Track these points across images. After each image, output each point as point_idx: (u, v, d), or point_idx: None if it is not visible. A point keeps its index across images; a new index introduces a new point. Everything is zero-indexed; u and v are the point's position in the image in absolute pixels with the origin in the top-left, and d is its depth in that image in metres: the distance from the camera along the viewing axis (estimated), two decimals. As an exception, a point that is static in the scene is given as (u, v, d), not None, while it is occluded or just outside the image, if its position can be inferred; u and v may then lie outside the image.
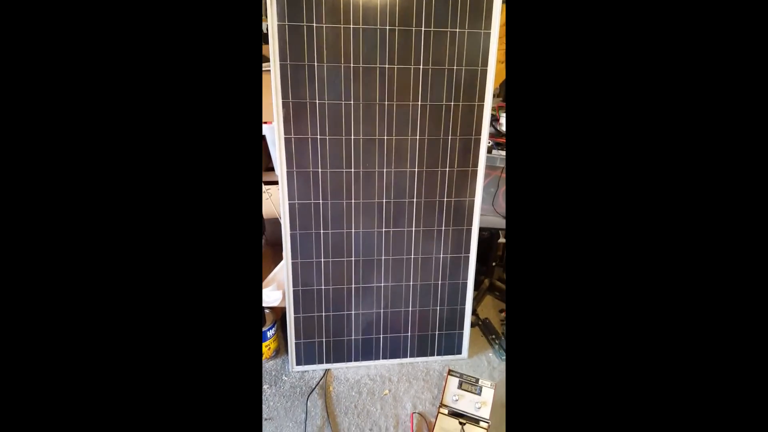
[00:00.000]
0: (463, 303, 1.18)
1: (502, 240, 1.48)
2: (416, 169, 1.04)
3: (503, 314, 1.44)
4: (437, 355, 1.22)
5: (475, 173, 1.07)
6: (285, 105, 0.95)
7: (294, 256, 1.07)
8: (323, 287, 1.11)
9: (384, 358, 1.19)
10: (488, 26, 0.95)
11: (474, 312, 1.46)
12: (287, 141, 0.97)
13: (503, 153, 1.28)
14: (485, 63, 0.97)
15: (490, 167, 1.28)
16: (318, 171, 1.01)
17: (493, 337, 1.32)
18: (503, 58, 1.14)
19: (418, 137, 1.01)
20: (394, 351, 1.19)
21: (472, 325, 1.32)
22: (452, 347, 1.22)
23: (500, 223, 1.41)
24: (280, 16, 0.88)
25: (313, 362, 1.17)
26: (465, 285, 1.16)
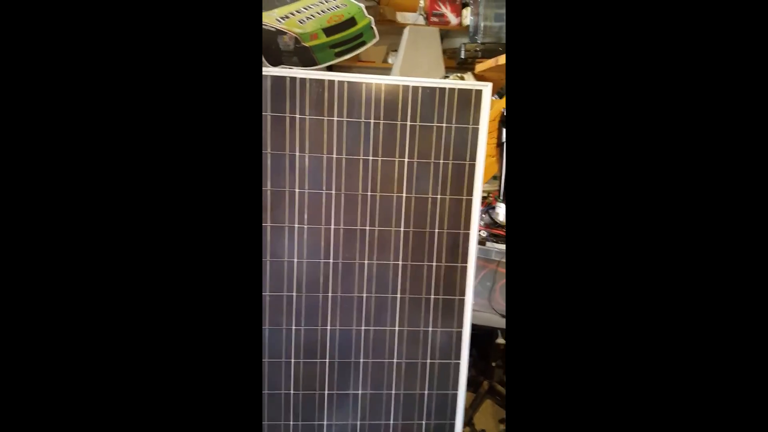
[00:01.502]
0: (453, 417, 1.02)
1: (501, 341, 1.34)
2: (400, 262, 0.96)
3: (503, 426, 1.25)
4: (423, 482, 1.03)
5: (464, 269, 0.98)
6: (263, 193, 0.91)
7: (261, 355, 0.95)
8: (292, 392, 0.97)
9: (359, 483, 1.01)
10: (476, 121, 0.93)
11: (469, 422, 1.27)
12: (263, 229, 0.92)
13: (498, 245, 1.20)
14: (473, 158, 0.94)
15: (485, 260, 1.20)
16: (293, 261, 0.94)
17: (491, 459, 1.12)
18: (493, 152, 1.12)
19: (402, 229, 0.95)
20: (372, 475, 1.01)
21: (467, 442, 1.13)
22: (441, 473, 1.03)
23: (498, 321, 1.28)
24: (263, 107, 0.89)
25: (274, 485, 0.99)
26: (455, 397, 1.01)
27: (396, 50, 2.01)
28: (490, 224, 1.28)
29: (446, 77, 1.80)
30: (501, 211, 1.30)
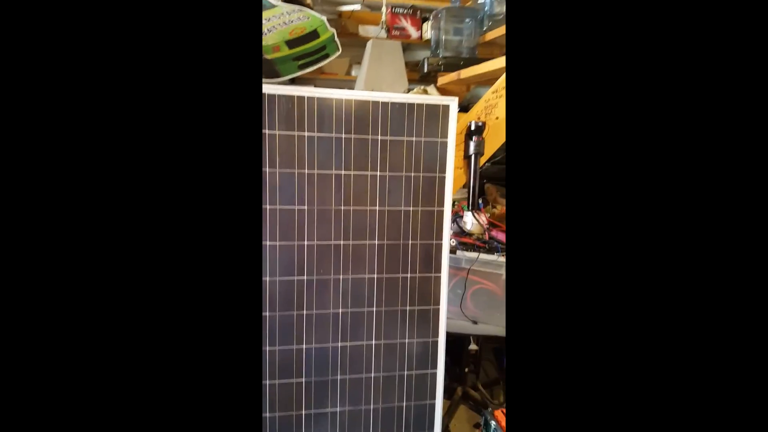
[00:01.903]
0: (432, 427, 1.03)
1: (473, 347, 1.37)
2: (375, 276, 0.96)
3: (477, 431, 1.27)
4: (404, 495, 1.02)
5: (438, 279, 1.00)
6: (232, 211, 0.88)
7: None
8: (268, 414, 0.94)
9: (340, 503, 0.99)
10: (445, 135, 0.96)
11: (446, 428, 1.28)
12: (232, 248, 0.89)
13: (467, 254, 1.23)
14: (443, 170, 0.97)
15: (455, 268, 1.23)
16: (266, 279, 0.91)
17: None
18: (460, 164, 1.16)
19: (376, 242, 0.96)
20: (353, 493, 0.99)
21: (445, 451, 1.14)
22: (422, 484, 1.03)
23: (470, 328, 1.31)
24: (232, 124, 0.86)
25: None
26: (433, 406, 1.02)
27: (359, 63, 2.03)
28: (459, 233, 1.31)
29: (410, 89, 1.84)
30: (468, 220, 1.34)
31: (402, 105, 0.93)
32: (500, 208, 1.48)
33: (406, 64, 1.93)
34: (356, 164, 0.93)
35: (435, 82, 1.77)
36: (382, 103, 0.92)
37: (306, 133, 0.90)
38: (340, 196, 0.93)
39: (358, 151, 0.92)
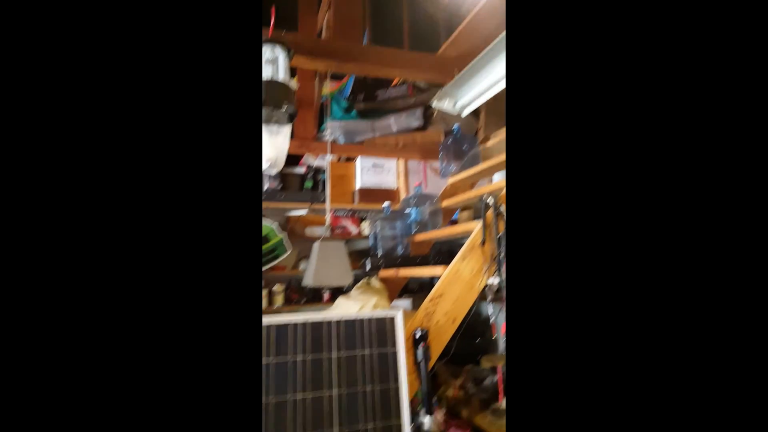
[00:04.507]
0: None
1: None
2: None
3: None
4: None
5: (405, 508, 0.92)
6: None
7: None
8: None
9: None
10: (394, 344, 1.05)
11: None
12: None
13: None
14: (396, 379, 1.02)
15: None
16: None
17: None
18: (412, 370, 1.22)
19: (336, 472, 0.90)
20: None
21: None
22: None
23: None
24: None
25: None
26: None
27: (307, 256, 2.22)
28: (419, 435, 1.27)
29: (356, 280, 2.01)
30: (426, 421, 1.32)
31: (352, 321, 1.03)
32: (452, 391, 1.51)
33: (350, 253, 2.15)
34: (314, 384, 0.95)
35: (377, 274, 1.97)
36: (335, 322, 1.02)
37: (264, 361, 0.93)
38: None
39: (314, 370, 0.96)
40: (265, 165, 1.24)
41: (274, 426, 0.89)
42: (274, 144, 1.20)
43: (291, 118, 1.14)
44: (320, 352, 0.98)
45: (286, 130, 1.20)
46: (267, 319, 0.96)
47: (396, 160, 2.45)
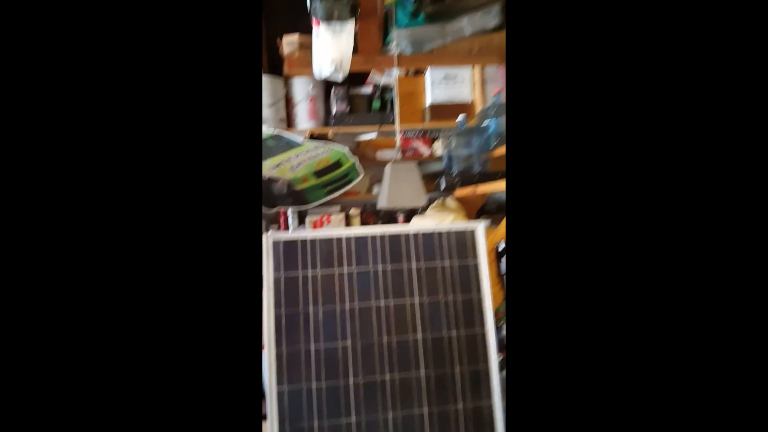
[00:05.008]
0: None
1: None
2: (426, 410, 0.92)
3: None
4: None
5: (490, 409, 0.94)
6: (279, 355, 0.90)
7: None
8: None
9: None
10: (475, 256, 1.00)
11: None
12: (279, 395, 0.88)
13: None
14: (479, 290, 0.99)
15: (505, 388, 1.16)
16: (314, 424, 0.88)
17: None
18: (496, 282, 1.18)
19: (423, 374, 0.93)
20: None
21: None
22: None
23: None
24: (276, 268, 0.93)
25: None
26: None
27: (379, 180, 2.21)
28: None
29: (430, 201, 1.96)
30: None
31: (431, 235, 0.99)
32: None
33: (424, 176, 2.09)
34: (395, 292, 0.96)
35: (452, 193, 1.89)
36: (413, 234, 0.99)
37: (345, 271, 0.95)
38: (382, 327, 0.94)
39: (395, 280, 0.96)
40: (330, 68, 1.16)
41: (360, 329, 0.93)
42: (338, 44, 1.10)
43: (353, 11, 1.03)
44: (399, 262, 0.97)
45: (350, 27, 1.09)
46: (345, 231, 0.97)
47: (470, 68, 2.21)
